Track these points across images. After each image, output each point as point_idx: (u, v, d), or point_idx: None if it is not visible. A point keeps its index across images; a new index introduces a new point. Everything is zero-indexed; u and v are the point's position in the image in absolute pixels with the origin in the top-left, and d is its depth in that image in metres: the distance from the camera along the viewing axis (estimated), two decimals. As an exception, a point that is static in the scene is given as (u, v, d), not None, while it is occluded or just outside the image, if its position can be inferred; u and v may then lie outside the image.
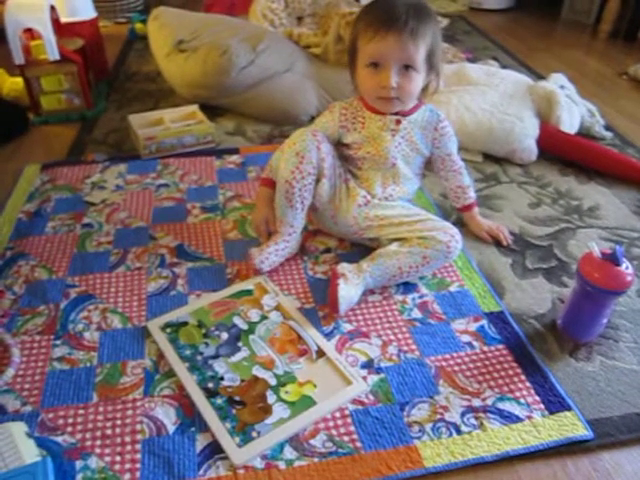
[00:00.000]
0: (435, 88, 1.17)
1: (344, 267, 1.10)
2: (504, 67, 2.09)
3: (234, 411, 0.89)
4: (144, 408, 0.90)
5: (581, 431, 0.87)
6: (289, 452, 0.84)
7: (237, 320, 1.06)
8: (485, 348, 1.02)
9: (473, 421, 0.89)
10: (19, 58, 1.71)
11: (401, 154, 1.17)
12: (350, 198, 1.19)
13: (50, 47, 1.72)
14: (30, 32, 1.75)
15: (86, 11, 2.05)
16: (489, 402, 0.92)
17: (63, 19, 1.95)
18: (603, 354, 1.02)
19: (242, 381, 0.94)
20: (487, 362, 0.99)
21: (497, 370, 0.98)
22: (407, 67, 1.06)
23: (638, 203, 1.47)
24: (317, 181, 1.15)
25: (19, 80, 1.82)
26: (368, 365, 0.98)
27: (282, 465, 0.82)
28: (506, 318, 1.08)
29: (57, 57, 1.74)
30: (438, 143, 1.19)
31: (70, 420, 0.88)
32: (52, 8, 1.80)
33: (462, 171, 1.26)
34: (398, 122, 1.15)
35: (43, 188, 1.47)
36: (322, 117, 1.21)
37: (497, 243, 1.29)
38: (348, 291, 1.05)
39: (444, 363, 0.99)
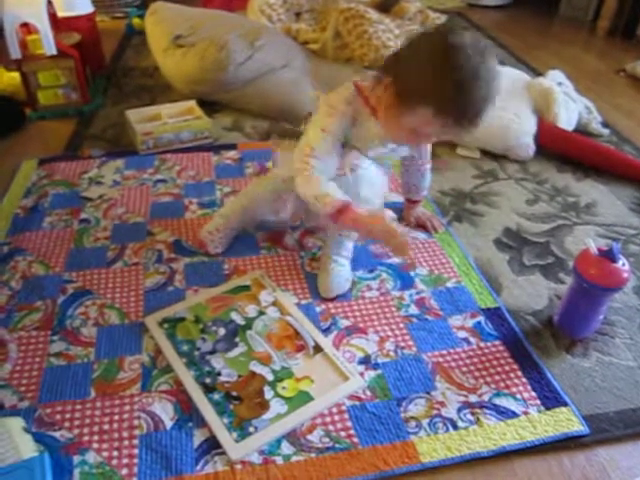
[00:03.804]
0: None
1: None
2: (502, 64, 2.09)
3: (231, 406, 0.89)
4: (141, 403, 0.90)
5: (577, 427, 0.88)
6: (286, 447, 0.84)
7: (234, 316, 1.06)
8: (482, 344, 1.02)
9: (469, 417, 0.89)
10: (16, 53, 1.70)
11: (376, 154, 1.11)
12: None
13: (47, 42, 1.71)
14: (27, 26, 1.74)
15: (83, 6, 2.04)
16: (485, 398, 0.92)
17: (60, 14, 1.93)
18: (599, 350, 1.03)
19: (239, 377, 0.94)
20: (484, 358, 1.00)
21: (494, 366, 0.98)
22: None
23: (635, 200, 1.47)
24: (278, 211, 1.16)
25: (16, 75, 1.80)
26: (365, 361, 0.98)
27: (279, 460, 0.82)
28: (503, 314, 1.09)
29: (54, 52, 1.73)
30: (417, 145, 1.15)
31: (67, 415, 0.88)
32: (49, 2, 1.79)
33: (426, 173, 1.24)
34: None
35: (40, 183, 1.46)
36: (331, 117, 1.02)
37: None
38: (324, 277, 1.12)
39: (441, 359, 0.99)
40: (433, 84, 0.89)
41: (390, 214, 0.96)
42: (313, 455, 0.83)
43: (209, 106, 1.81)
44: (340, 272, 1.13)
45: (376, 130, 1.03)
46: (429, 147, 1.20)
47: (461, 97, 0.88)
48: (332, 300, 1.11)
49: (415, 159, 1.21)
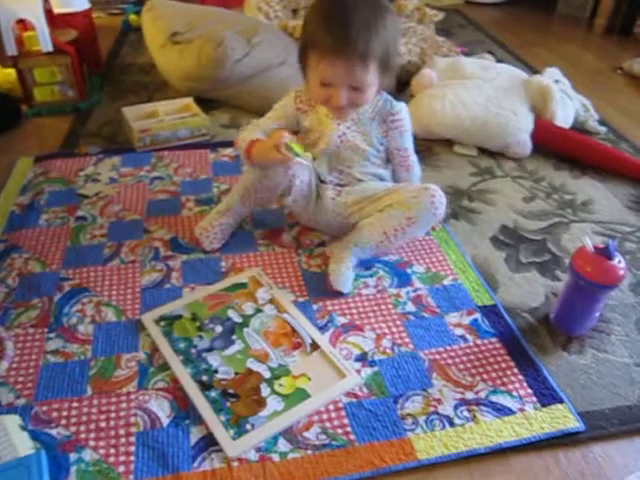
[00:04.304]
0: (390, 84, 1.12)
1: (332, 246, 1.18)
2: (499, 61, 2.09)
3: (228, 404, 0.89)
4: (138, 401, 0.90)
5: (573, 423, 0.88)
6: (283, 444, 0.84)
7: (231, 313, 1.06)
8: (478, 341, 1.03)
9: (466, 414, 0.89)
10: (12, 49, 1.69)
11: (346, 144, 1.14)
12: (321, 198, 1.19)
13: (43, 38, 1.70)
14: (23, 23, 1.74)
15: (80, 2, 2.03)
16: (482, 395, 0.93)
17: (56, 10, 1.93)
18: (595, 347, 1.03)
19: (236, 374, 0.94)
20: (480, 355, 1.00)
21: (490, 363, 0.98)
22: (357, 86, 1.03)
23: (631, 197, 1.47)
24: (284, 195, 1.16)
25: (12, 72, 1.80)
26: (362, 358, 0.98)
27: (276, 457, 0.83)
28: (499, 312, 1.09)
29: (50, 48, 1.73)
30: (387, 136, 1.15)
31: (64, 413, 0.88)
32: (45, -1, 1.79)
33: (411, 168, 1.21)
34: None
35: (36, 181, 1.46)
36: (279, 102, 1.19)
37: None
38: (340, 271, 1.11)
39: (438, 356, 0.99)
40: (307, 28, 1.04)
41: (286, 134, 1.05)
42: (310, 452, 0.83)
43: (206, 103, 1.81)
44: (352, 271, 1.14)
45: (324, 108, 1.13)
46: (406, 144, 1.18)
47: (324, 26, 0.99)
48: (329, 297, 1.11)
49: (394, 154, 1.20)
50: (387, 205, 1.13)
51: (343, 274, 1.11)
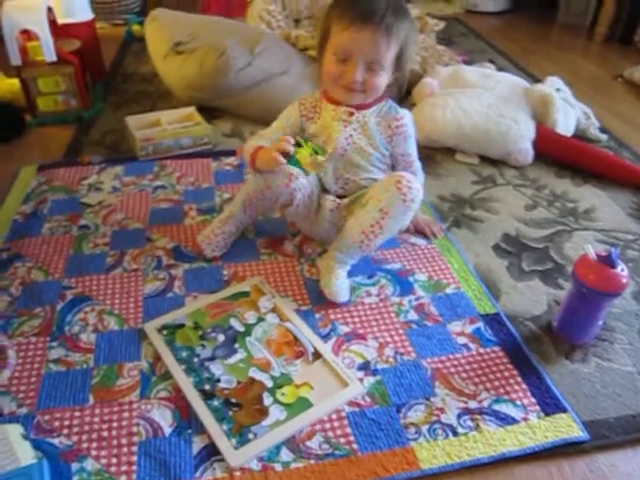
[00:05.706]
0: (402, 88, 1.17)
1: (320, 258, 1.20)
2: (500, 70, 2.10)
3: (230, 413, 0.89)
4: (140, 410, 0.90)
5: (576, 432, 0.88)
6: (285, 454, 0.84)
7: (234, 322, 1.06)
8: (481, 350, 1.02)
9: (469, 423, 0.89)
10: (16, 59, 1.70)
11: (353, 147, 1.14)
12: (321, 208, 1.19)
13: (47, 48, 1.72)
14: (27, 33, 1.75)
15: (83, 12, 2.05)
16: (485, 404, 0.92)
17: (60, 20, 1.94)
18: (598, 356, 1.03)
19: (238, 383, 0.94)
20: (483, 364, 1.00)
21: (493, 372, 0.98)
22: (374, 64, 1.06)
23: (633, 205, 1.47)
24: (286, 206, 1.16)
25: (15, 81, 1.81)
26: (364, 367, 0.98)
27: (278, 467, 0.82)
28: (502, 320, 1.09)
29: (54, 58, 1.74)
30: (392, 141, 1.16)
31: (66, 422, 0.88)
32: (49, 9, 1.80)
33: (415, 174, 1.20)
34: (351, 114, 1.13)
35: (39, 189, 1.46)
36: (284, 112, 1.21)
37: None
38: (331, 282, 1.11)
39: (440, 365, 0.99)
40: (331, 11, 1.07)
41: (290, 139, 1.07)
42: (312, 462, 0.83)
43: (209, 112, 1.82)
44: (345, 278, 1.13)
45: (329, 109, 1.15)
46: (410, 149, 1.19)
47: (352, 3, 1.04)
48: (332, 306, 1.11)
49: (398, 160, 1.20)
50: (366, 202, 1.11)
51: (335, 284, 1.11)
